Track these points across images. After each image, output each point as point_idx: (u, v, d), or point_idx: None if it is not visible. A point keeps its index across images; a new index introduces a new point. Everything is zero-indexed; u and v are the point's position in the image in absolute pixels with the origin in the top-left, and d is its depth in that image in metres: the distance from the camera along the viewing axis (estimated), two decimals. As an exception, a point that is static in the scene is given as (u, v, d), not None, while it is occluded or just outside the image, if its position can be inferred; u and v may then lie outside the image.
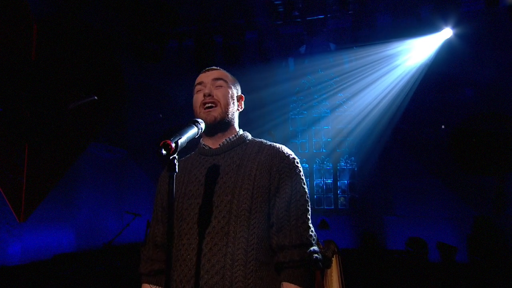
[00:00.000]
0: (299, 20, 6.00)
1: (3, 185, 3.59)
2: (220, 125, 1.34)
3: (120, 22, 5.40)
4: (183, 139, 1.09)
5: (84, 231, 5.32)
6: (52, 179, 4.15)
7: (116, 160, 5.91)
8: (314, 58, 6.59)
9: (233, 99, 1.38)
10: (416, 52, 5.79)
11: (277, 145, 1.35)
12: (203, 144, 1.39)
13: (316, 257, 1.22)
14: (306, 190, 1.31)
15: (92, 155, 5.48)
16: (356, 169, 6.90)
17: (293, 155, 1.34)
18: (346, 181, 7.01)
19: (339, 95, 7.10)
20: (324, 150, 7.19)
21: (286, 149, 1.33)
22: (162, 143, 1.03)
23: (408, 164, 6.18)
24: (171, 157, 1.04)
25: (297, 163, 1.33)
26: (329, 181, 7.07)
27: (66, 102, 4.23)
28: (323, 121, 7.23)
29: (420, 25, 5.15)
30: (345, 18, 5.92)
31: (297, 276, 1.18)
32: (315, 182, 7.13)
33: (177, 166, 1.05)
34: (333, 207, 6.90)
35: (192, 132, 1.17)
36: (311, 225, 1.26)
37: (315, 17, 5.89)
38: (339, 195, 6.99)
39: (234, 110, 1.39)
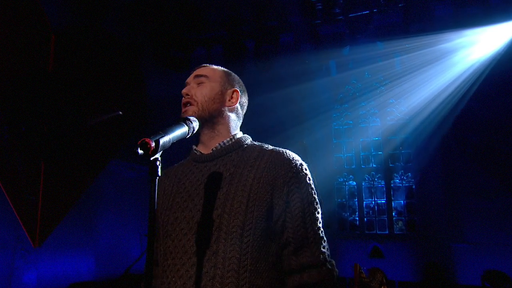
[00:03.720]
0: (340, 17, 5.82)
1: (17, 206, 3.63)
2: (200, 126, 1.26)
3: (143, 30, 5.51)
4: (166, 138, 0.98)
5: (105, 258, 5.34)
6: (70, 199, 4.19)
7: (140, 179, 5.95)
8: (359, 60, 6.34)
9: (218, 95, 1.32)
10: (483, 44, 5.32)
11: (280, 149, 1.28)
12: (195, 149, 1.35)
13: (336, 271, 1.22)
14: (316, 197, 1.24)
15: (113, 173, 5.55)
16: (414, 186, 6.48)
17: (299, 160, 1.27)
18: (402, 201, 6.60)
19: (391, 101, 6.76)
20: (374, 165, 6.85)
21: (291, 154, 1.26)
22: (140, 141, 0.93)
23: (481, 181, 5.64)
24: (151, 159, 0.94)
25: (305, 169, 1.26)
26: (382, 201, 6.69)
27: (85, 116, 4.29)
28: (372, 132, 6.91)
29: (489, 13, 4.72)
30: (394, 12, 5.64)
31: None
32: (364, 202, 6.79)
33: (159, 170, 0.94)
34: (387, 232, 6.49)
35: (180, 131, 1.09)
36: (322, 234, 1.24)
37: (359, 13, 5.69)
38: (394, 218, 6.58)
39: (220, 108, 1.32)
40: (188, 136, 1.15)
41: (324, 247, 1.20)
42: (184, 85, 1.36)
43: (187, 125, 1.13)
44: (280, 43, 6.04)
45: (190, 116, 1.22)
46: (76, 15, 4.47)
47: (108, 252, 5.41)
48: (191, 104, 1.28)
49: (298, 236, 1.17)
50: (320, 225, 1.22)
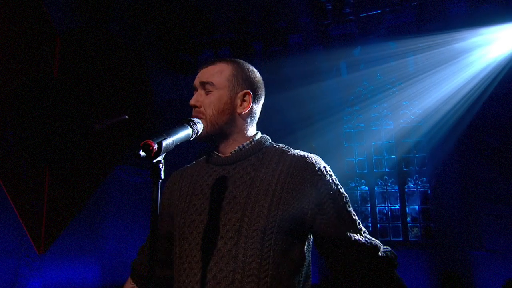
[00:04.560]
0: (351, 18, 5.78)
1: (22, 212, 3.65)
2: (210, 139, 1.27)
3: (149, 33, 5.54)
4: (169, 140, 0.98)
5: (111, 265, 5.34)
6: (75, 205, 4.20)
7: (146, 184, 5.96)
8: (370, 60, 6.29)
9: (227, 105, 1.25)
10: (500, 43, 5.24)
11: (302, 153, 1.26)
12: (213, 152, 1.33)
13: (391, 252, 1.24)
14: (346, 194, 1.24)
15: (119, 179, 5.57)
16: (429, 191, 6.39)
17: (323, 162, 1.26)
18: (417, 207, 6.51)
19: (404, 103, 6.68)
20: (387, 170, 6.77)
21: (314, 158, 1.25)
22: (142, 143, 0.93)
23: (501, 185, 5.53)
24: (154, 161, 0.93)
25: (330, 171, 1.25)
26: (396, 206, 6.61)
27: (91, 121, 4.31)
28: (385, 135, 6.83)
29: (506, 10, 4.64)
30: (407, 11, 5.58)
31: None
32: (377, 208, 6.71)
33: (162, 172, 0.94)
34: (401, 239, 6.41)
35: (184, 133, 1.08)
36: (360, 225, 1.24)
37: (370, 13, 5.64)
38: (409, 224, 6.50)
39: (231, 117, 1.26)
40: (191, 139, 1.14)
41: (367, 234, 1.22)
42: (190, 89, 1.33)
43: (191, 127, 1.12)
44: (288, 44, 6.03)
45: (200, 133, 1.20)
46: (81, 18, 4.51)
47: (114, 259, 5.41)
48: (200, 118, 1.24)
49: (337, 235, 1.17)
50: (356, 218, 1.24)
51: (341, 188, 1.23)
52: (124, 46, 4.93)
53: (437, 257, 5.82)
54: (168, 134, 0.99)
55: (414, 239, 6.41)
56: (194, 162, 1.40)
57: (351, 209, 1.22)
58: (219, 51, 6.21)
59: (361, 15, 5.67)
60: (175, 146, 1.01)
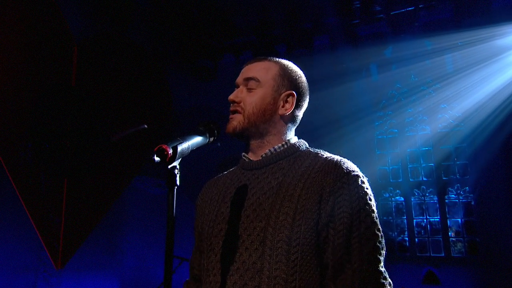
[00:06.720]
0: (381, 16, 5.70)
1: (40, 227, 3.71)
2: (244, 136, 1.27)
3: (168, 38, 5.61)
4: (185, 145, 0.99)
5: (130, 280, 5.38)
6: (93, 219, 4.25)
7: (166, 196, 6.00)
8: (403, 60, 6.15)
9: (269, 105, 1.25)
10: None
11: (336, 157, 1.22)
12: (243, 155, 1.34)
13: None
14: (376, 219, 1.12)
15: (138, 190, 5.63)
16: (473, 202, 6.16)
17: (356, 171, 1.17)
18: (459, 219, 6.29)
19: (442, 106, 6.49)
20: (424, 179, 6.58)
21: (347, 163, 1.19)
22: (156, 148, 0.95)
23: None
24: (169, 167, 0.96)
25: (362, 182, 1.16)
26: (435, 219, 6.40)
27: (109, 131, 4.38)
28: (421, 141, 6.65)
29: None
30: (443, 6, 5.44)
31: None
32: (415, 220, 6.51)
33: (177, 178, 0.97)
34: (443, 255, 6.17)
35: (200, 137, 1.10)
36: (383, 269, 1.10)
37: (403, 10, 5.54)
38: (451, 239, 6.27)
39: (271, 118, 1.26)
40: (207, 143, 1.15)
41: (372, 279, 1.07)
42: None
43: (208, 131, 1.13)
44: (314, 46, 5.99)
45: (236, 127, 1.21)
46: (99, 25, 4.62)
47: (133, 275, 5.45)
48: (238, 112, 1.24)
49: (337, 259, 1.07)
50: (375, 254, 1.09)
51: (369, 207, 1.12)
52: (143, 52, 5.01)
53: (484, 275, 5.59)
54: (184, 138, 1.01)
55: (457, 255, 6.17)
56: (226, 172, 1.40)
57: (370, 233, 1.09)
58: (241, 55, 6.23)
59: (392, 13, 5.57)
60: (191, 151, 1.03)
